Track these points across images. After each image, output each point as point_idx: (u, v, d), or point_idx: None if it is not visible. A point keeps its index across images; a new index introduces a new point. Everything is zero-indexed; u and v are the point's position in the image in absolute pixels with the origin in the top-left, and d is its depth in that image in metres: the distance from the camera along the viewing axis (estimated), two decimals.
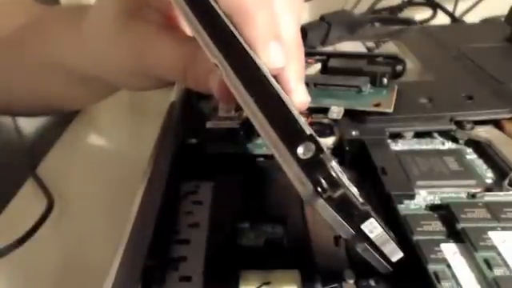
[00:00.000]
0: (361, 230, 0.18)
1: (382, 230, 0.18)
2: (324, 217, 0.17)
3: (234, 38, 0.20)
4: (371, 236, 0.18)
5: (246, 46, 0.20)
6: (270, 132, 0.17)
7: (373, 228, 0.18)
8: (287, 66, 0.22)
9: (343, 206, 0.17)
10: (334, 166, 0.17)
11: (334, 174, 0.16)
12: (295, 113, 0.17)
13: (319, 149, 0.16)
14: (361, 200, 0.17)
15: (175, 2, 0.21)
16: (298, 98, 0.22)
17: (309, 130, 0.17)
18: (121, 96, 0.39)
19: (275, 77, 0.24)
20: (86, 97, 0.38)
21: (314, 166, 0.16)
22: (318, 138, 0.17)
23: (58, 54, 0.32)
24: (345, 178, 0.17)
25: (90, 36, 0.29)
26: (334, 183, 0.16)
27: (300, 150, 0.16)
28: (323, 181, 0.16)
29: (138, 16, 0.27)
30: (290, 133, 0.17)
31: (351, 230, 0.18)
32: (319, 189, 0.16)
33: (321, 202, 0.17)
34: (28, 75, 0.36)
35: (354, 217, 0.17)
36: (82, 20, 0.29)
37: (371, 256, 0.19)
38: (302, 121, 0.17)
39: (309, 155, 0.16)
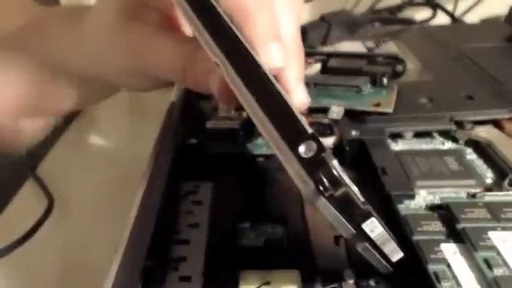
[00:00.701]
0: (361, 229, 0.18)
1: (382, 229, 0.18)
2: (325, 216, 0.17)
3: (235, 36, 0.20)
4: (372, 235, 0.18)
5: (246, 44, 0.20)
6: (271, 131, 0.17)
7: (374, 227, 0.18)
8: (287, 66, 0.22)
9: (344, 204, 0.17)
10: (336, 165, 0.17)
11: (335, 173, 0.16)
12: (296, 112, 0.17)
13: (321, 148, 0.16)
14: (362, 199, 0.17)
15: (176, 1, 0.21)
16: (297, 98, 0.22)
17: (310, 129, 0.17)
18: (121, 96, 0.39)
19: (275, 77, 0.24)
20: (86, 98, 0.38)
21: (315, 165, 0.16)
22: (319, 137, 0.17)
23: (58, 54, 0.32)
24: (346, 178, 0.17)
25: (89, 37, 0.29)
26: (336, 182, 0.16)
27: (301, 149, 0.16)
28: (325, 179, 0.16)
29: (137, 17, 0.27)
30: (291, 131, 0.17)
31: (352, 229, 0.18)
32: (321, 187, 0.16)
33: (322, 200, 0.17)
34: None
35: (355, 216, 0.17)
36: (81, 21, 0.29)
37: (371, 256, 0.19)
38: (304, 120, 0.17)
39: (310, 154, 0.16)
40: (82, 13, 0.30)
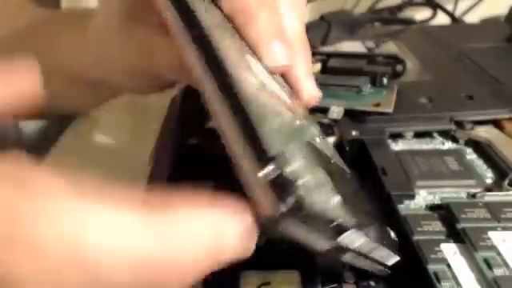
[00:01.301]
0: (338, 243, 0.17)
1: (365, 239, 0.17)
2: (293, 236, 0.16)
3: (217, 56, 0.18)
4: (352, 247, 0.17)
5: (226, 65, 0.18)
6: (235, 149, 0.16)
7: (353, 239, 0.17)
8: (294, 63, 0.22)
9: (313, 223, 0.15)
10: (304, 182, 0.15)
11: (300, 194, 0.15)
12: (264, 130, 0.16)
13: (284, 169, 0.15)
14: (340, 212, 0.16)
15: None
16: (308, 93, 0.23)
17: (276, 149, 0.15)
18: (121, 96, 0.39)
19: (283, 76, 0.24)
20: (85, 101, 0.38)
21: (277, 187, 0.15)
22: (286, 157, 0.15)
23: (60, 57, 0.33)
24: (324, 190, 0.16)
25: (94, 39, 0.29)
26: (297, 206, 0.15)
27: (265, 170, 0.15)
28: (288, 201, 0.15)
29: (141, 19, 0.27)
30: (255, 151, 0.15)
31: (327, 244, 0.17)
32: (283, 209, 0.15)
33: (286, 223, 0.15)
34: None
35: (328, 231, 0.16)
36: (85, 24, 0.30)
37: (361, 263, 0.18)
38: (270, 139, 0.16)
39: (272, 176, 0.15)
40: (85, 16, 0.30)
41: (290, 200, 0.14)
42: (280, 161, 0.15)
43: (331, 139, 0.30)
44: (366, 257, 0.18)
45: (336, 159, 0.23)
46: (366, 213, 0.21)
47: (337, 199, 0.16)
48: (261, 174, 0.15)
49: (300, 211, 0.15)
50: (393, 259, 0.18)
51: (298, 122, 0.20)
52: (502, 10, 0.50)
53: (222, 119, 0.17)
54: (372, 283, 0.21)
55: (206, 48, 0.18)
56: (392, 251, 0.19)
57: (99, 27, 0.29)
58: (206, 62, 0.18)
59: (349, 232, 0.16)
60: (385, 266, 0.19)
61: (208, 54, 0.18)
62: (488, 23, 0.55)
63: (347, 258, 0.18)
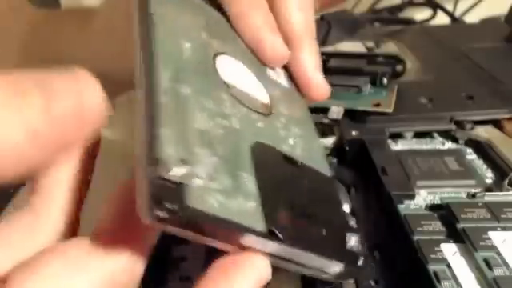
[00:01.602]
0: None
1: (279, 245, 0.15)
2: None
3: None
4: (267, 251, 0.15)
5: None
6: (138, 144, 0.15)
7: (264, 244, 0.15)
8: (301, 55, 0.22)
9: (202, 229, 0.14)
10: (202, 187, 0.14)
11: (182, 199, 0.13)
12: (166, 130, 0.15)
13: (170, 172, 0.13)
14: (247, 217, 0.15)
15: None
16: (315, 86, 0.22)
17: (176, 151, 0.14)
18: (120, 96, 0.39)
19: (285, 67, 0.24)
20: None
21: (154, 191, 0.13)
22: (181, 160, 0.14)
23: (61, 54, 0.33)
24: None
25: (100, 37, 0.29)
26: (174, 212, 0.13)
27: (148, 171, 0.13)
28: (160, 208, 0.13)
29: None
30: (148, 151, 0.14)
31: (231, 246, 0.15)
32: (154, 215, 0.13)
33: (165, 228, 0.14)
34: None
35: (225, 235, 0.15)
36: (86, 22, 0.30)
37: (293, 268, 0.17)
38: (170, 139, 0.14)
39: (152, 178, 0.13)
40: (85, 15, 0.30)
41: (164, 207, 0.13)
42: (169, 163, 0.14)
43: (331, 139, 0.30)
44: (296, 263, 0.16)
45: (315, 161, 0.21)
46: (321, 219, 0.18)
47: (251, 205, 0.15)
48: (143, 174, 0.13)
49: (177, 218, 0.13)
50: (334, 268, 0.17)
51: (259, 124, 0.19)
52: (502, 10, 0.50)
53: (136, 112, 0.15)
54: (372, 283, 0.22)
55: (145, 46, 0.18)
56: (337, 259, 0.17)
57: (104, 26, 0.29)
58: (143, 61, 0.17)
59: (252, 236, 0.15)
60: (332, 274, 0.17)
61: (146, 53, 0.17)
62: (488, 23, 0.55)
63: (272, 261, 0.16)
